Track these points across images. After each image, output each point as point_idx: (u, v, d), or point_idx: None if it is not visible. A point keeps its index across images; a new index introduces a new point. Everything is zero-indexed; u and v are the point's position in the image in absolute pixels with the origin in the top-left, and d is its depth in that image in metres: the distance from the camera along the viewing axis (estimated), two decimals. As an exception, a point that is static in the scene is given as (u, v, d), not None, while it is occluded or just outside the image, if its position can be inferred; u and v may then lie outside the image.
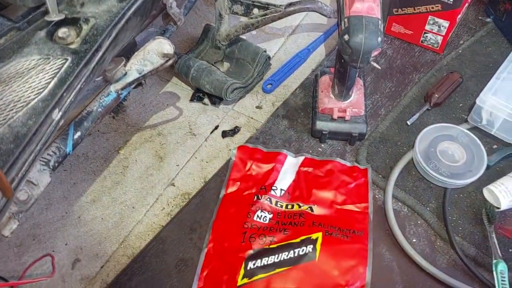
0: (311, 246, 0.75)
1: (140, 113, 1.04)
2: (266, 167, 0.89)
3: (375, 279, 0.76)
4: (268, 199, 0.84)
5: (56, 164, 0.63)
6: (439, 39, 1.05)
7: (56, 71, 0.53)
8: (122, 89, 0.72)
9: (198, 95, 1.05)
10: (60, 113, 0.53)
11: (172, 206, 0.89)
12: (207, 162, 0.95)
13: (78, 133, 0.68)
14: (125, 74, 0.72)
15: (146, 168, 0.95)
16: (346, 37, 0.68)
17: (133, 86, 0.74)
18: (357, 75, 0.85)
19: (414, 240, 0.80)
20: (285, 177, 0.87)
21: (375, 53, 0.68)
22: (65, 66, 0.54)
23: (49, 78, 0.52)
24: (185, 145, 0.98)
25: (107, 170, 0.95)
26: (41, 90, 0.51)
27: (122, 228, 0.87)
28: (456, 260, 0.78)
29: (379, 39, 0.67)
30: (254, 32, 1.18)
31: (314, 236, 0.77)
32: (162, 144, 0.99)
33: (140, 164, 0.96)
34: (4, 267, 0.81)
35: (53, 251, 0.84)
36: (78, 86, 0.55)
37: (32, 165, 0.51)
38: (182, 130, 1.01)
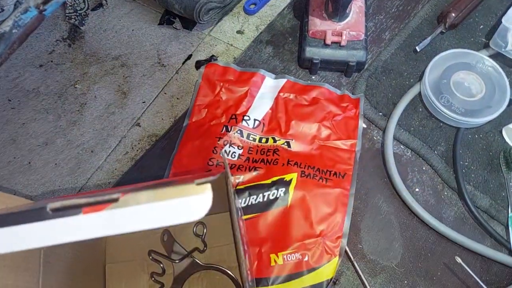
0: (283, 189, 0.64)
1: (100, 40, 0.88)
2: (239, 91, 0.74)
3: (370, 236, 0.65)
4: (239, 132, 0.70)
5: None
6: None
7: None
8: (45, 3, 0.56)
9: (167, 17, 0.89)
10: None
11: (137, 150, 0.77)
12: (178, 98, 0.81)
13: (-13, 62, 0.53)
14: (50, -16, 0.56)
15: (107, 106, 0.81)
16: None
17: (60, 1, 0.58)
18: (356, -13, 0.68)
19: (417, 190, 0.68)
20: (261, 104, 0.73)
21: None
22: None
23: None
24: (152, 78, 0.84)
25: (62, 108, 0.81)
26: None
27: (79, 175, 0.75)
28: (465, 213, 0.66)
29: None
30: None
31: (288, 177, 0.64)
32: (125, 77, 0.84)
33: (100, 100, 0.82)
34: None
35: (-1, 202, 0.73)
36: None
37: None
38: (150, 61, 0.85)
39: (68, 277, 0.51)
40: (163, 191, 0.36)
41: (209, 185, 0.36)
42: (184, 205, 0.35)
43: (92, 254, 0.61)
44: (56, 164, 0.76)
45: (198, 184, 0.36)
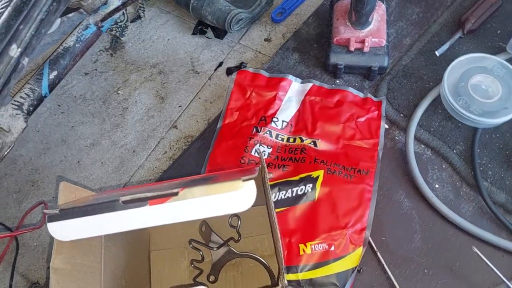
0: (311, 185, 0.69)
1: (139, 49, 0.96)
2: (268, 95, 0.80)
3: (392, 229, 0.70)
4: (268, 132, 0.77)
5: (31, 108, 0.57)
6: (478, -47, 0.90)
7: (9, -1, 0.45)
8: (102, 20, 0.63)
9: (200, 27, 0.95)
10: (20, 49, 0.46)
11: (175, 150, 0.84)
12: (211, 102, 0.88)
13: (54, 73, 0.61)
14: (105, 2, 0.63)
15: (146, 110, 0.89)
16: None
17: (116, 16, 0.65)
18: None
19: (436, 186, 0.73)
20: (289, 107, 0.79)
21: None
22: (20, -8, 0.45)
23: (2, 8, 0.44)
24: (187, 84, 0.91)
25: (106, 112, 0.89)
26: (-6, 22, 0.44)
27: (123, 172, 0.82)
28: (483, 208, 0.70)
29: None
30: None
31: (315, 174, 0.70)
32: (163, 83, 0.91)
33: (140, 105, 0.89)
34: (4, 214, 0.79)
35: (53, 197, 0.81)
36: (39, 17, 0.47)
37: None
38: (184, 68, 0.93)
39: (121, 260, 0.58)
40: (214, 186, 0.42)
41: (253, 181, 0.42)
42: (233, 198, 0.42)
43: (138, 242, 0.68)
44: (102, 162, 0.83)
45: (244, 180, 0.42)
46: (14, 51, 0.45)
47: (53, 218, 0.41)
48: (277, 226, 0.52)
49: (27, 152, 0.85)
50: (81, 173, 0.83)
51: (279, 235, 0.51)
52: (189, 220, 0.41)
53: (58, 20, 0.89)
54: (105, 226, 0.41)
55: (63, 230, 0.41)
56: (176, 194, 0.41)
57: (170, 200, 0.40)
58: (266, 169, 0.49)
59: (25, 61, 0.47)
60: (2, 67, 0.44)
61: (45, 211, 0.41)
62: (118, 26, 0.97)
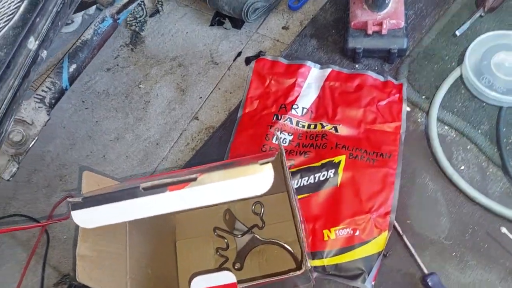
0: (333, 170, 0.69)
1: (159, 43, 0.97)
2: (287, 82, 0.80)
3: (417, 212, 0.69)
4: (289, 119, 0.77)
5: (53, 101, 0.59)
6: None
7: (25, -7, 0.46)
8: (118, 13, 0.65)
9: (218, 18, 0.96)
10: (37, 42, 0.47)
11: (197, 141, 0.85)
12: (231, 92, 0.88)
13: (74, 66, 0.63)
14: (120, -6, 0.64)
15: (168, 103, 0.90)
16: None
17: (132, 8, 0.66)
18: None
19: (462, 168, 0.71)
20: (308, 93, 0.79)
21: None
22: (35, -14, 0.46)
23: (19, 2, 0.45)
24: (207, 75, 0.91)
25: (129, 106, 0.91)
26: (11, 16, 0.45)
27: (147, 165, 0.84)
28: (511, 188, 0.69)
29: None
30: None
31: (336, 159, 0.70)
32: (183, 76, 0.92)
33: (161, 98, 0.91)
34: (35, 209, 0.82)
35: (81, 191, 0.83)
36: (54, 9, 0.48)
37: (14, 102, 0.46)
38: (204, 60, 0.93)
39: (147, 250, 0.60)
40: (232, 171, 0.43)
41: (270, 164, 0.43)
42: (251, 181, 0.42)
43: (164, 233, 0.69)
44: (127, 156, 0.85)
45: (262, 164, 0.43)
46: (32, 43, 0.47)
47: (77, 206, 0.43)
48: (298, 211, 0.53)
49: (54, 148, 0.87)
50: (107, 167, 0.85)
51: (299, 220, 0.51)
52: (209, 204, 0.42)
53: (80, 18, 0.91)
54: (127, 213, 0.42)
55: (87, 218, 0.42)
56: (195, 179, 0.42)
57: (189, 186, 0.41)
58: (284, 154, 0.49)
59: (44, 53, 0.48)
60: (21, 60, 0.46)
61: (69, 199, 0.43)
62: (137, 21, 0.98)
